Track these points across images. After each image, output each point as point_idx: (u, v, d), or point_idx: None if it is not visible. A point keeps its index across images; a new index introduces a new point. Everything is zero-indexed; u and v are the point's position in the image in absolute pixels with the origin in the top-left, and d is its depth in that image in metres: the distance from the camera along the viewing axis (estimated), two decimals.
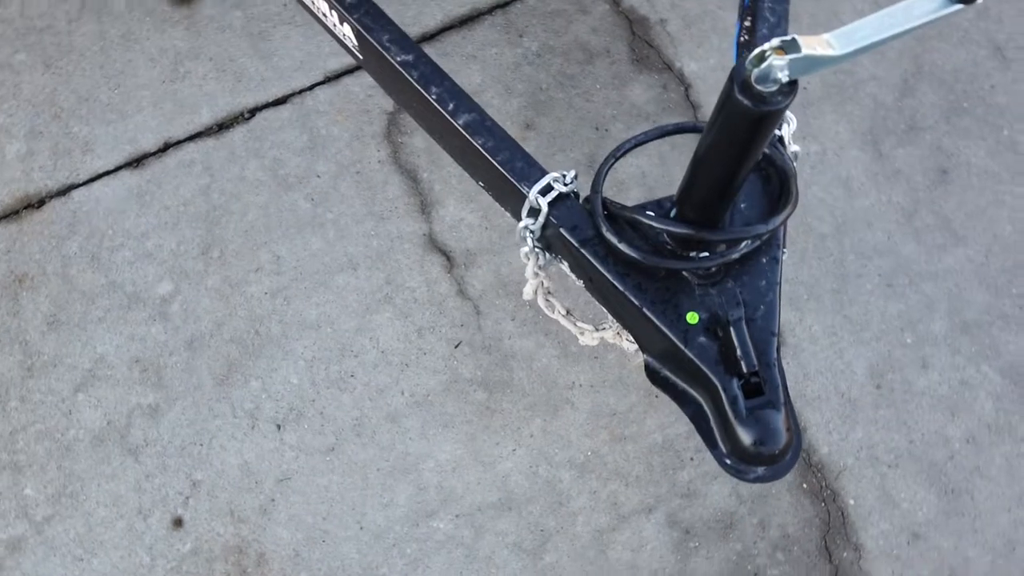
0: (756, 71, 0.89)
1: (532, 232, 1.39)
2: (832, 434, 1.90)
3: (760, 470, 1.23)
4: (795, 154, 1.36)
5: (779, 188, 1.30)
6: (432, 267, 2.07)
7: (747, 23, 1.43)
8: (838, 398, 1.94)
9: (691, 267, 1.24)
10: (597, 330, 1.72)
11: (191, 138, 2.19)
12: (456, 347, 1.98)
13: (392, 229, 2.09)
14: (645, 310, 1.29)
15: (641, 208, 1.30)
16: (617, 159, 1.34)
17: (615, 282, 1.32)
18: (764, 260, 1.31)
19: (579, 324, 1.79)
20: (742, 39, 1.43)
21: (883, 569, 1.83)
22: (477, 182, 1.56)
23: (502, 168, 1.41)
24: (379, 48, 1.48)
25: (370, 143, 2.20)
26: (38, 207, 2.09)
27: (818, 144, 2.21)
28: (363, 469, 1.85)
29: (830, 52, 0.84)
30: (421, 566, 1.77)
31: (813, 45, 0.82)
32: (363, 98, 2.27)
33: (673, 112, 2.20)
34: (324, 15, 1.60)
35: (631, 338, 1.55)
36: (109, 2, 2.33)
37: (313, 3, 1.60)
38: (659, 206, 1.32)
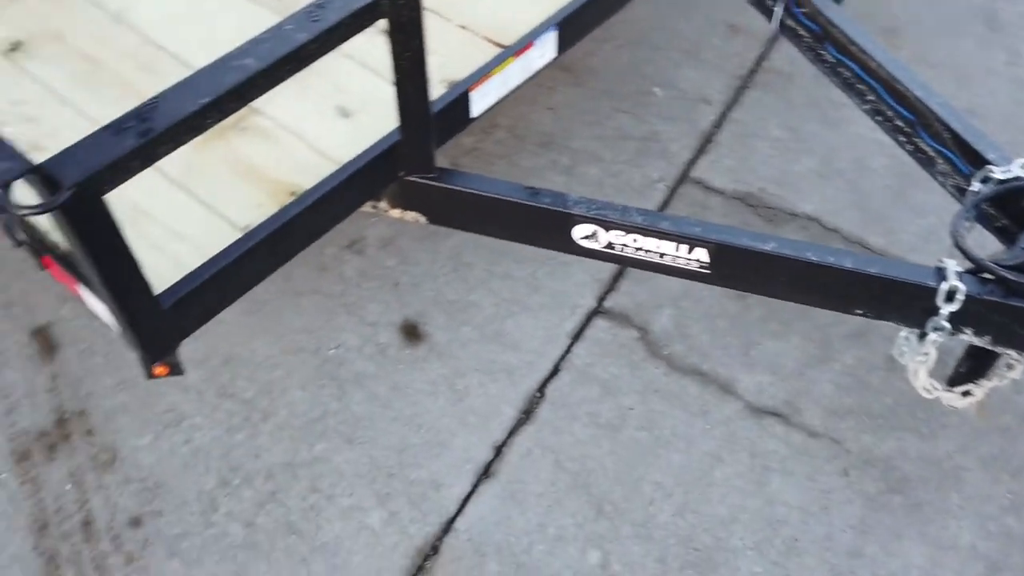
0: None
1: (949, 316, 1.72)
2: None
3: None
4: None
5: None
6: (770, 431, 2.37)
7: None
8: None
9: None
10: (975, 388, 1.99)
11: (512, 433, 2.45)
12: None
13: (716, 416, 2.41)
14: None
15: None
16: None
17: None
18: None
19: (954, 389, 2.07)
20: None
21: None
22: (853, 312, 1.88)
23: (901, 279, 1.75)
24: (741, 250, 1.86)
25: (642, 365, 2.55)
26: (435, 553, 2.24)
27: None
28: None
29: None
30: None
31: None
32: (609, 339, 2.63)
33: None
34: (662, 256, 1.97)
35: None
36: (349, 365, 2.63)
37: (654, 252, 1.97)
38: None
